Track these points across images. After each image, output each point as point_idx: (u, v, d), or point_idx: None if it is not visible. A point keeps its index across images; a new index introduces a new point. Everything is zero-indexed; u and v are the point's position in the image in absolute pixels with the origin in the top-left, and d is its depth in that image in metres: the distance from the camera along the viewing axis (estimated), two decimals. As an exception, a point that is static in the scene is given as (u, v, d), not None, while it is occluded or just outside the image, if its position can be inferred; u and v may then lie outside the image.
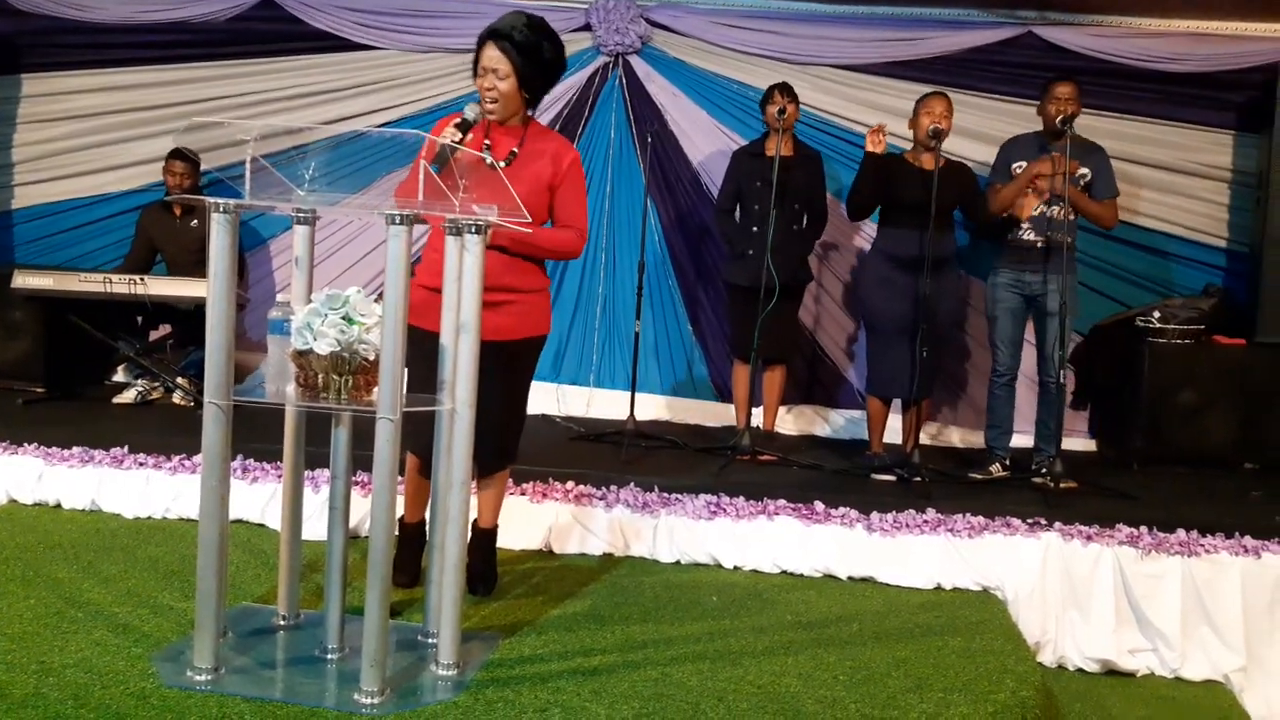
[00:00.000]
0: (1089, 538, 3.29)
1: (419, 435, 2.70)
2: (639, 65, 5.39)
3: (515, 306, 2.70)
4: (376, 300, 2.20)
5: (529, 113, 2.75)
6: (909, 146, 4.35)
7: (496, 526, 2.97)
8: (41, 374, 4.80)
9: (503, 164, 2.66)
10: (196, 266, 4.79)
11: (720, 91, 5.36)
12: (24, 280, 4.53)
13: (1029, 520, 3.38)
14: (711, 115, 5.35)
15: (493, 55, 2.61)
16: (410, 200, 2.26)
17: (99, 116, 5.51)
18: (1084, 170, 4.22)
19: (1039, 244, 4.18)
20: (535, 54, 2.62)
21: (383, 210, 2.05)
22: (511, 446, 2.87)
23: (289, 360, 2.20)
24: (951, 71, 5.13)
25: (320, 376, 2.17)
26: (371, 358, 2.17)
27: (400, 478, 2.39)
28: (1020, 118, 4.91)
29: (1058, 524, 3.34)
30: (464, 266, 2.22)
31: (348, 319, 2.16)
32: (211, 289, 2.07)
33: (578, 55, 5.38)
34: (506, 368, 2.69)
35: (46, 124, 5.56)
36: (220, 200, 2.06)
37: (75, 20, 5.40)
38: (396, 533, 2.70)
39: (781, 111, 4.26)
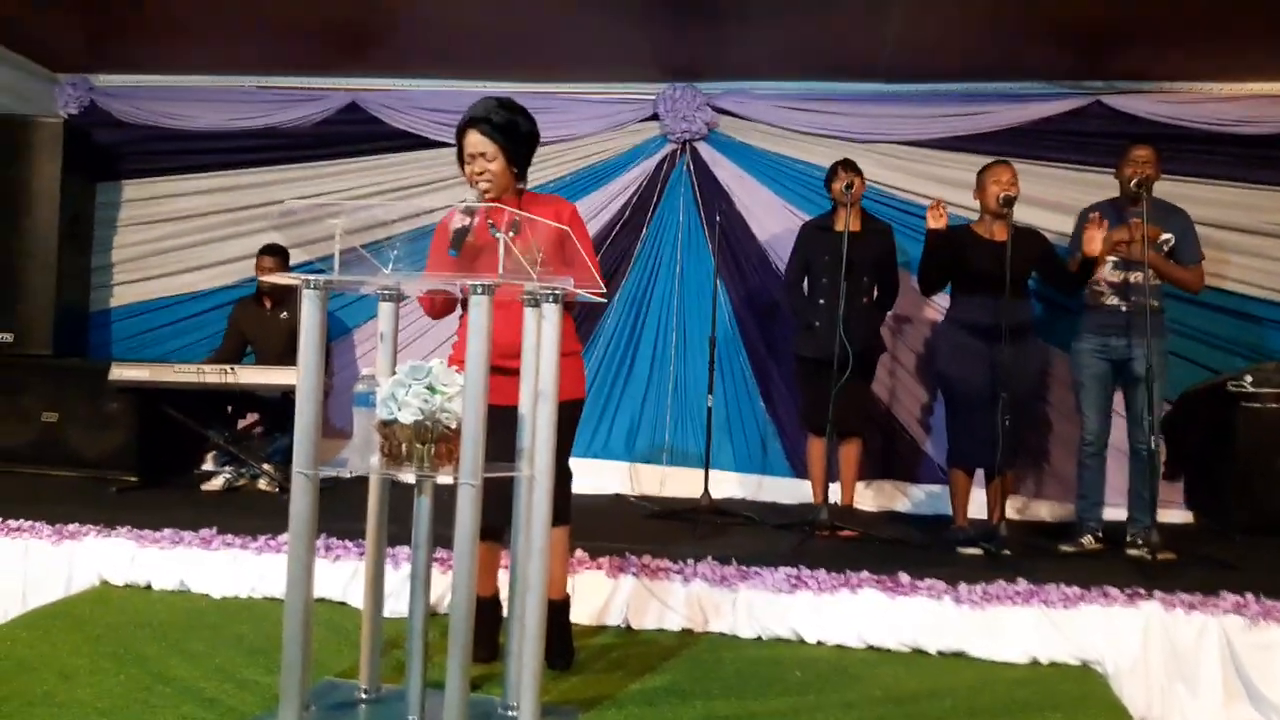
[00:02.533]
0: (1192, 606, 3.12)
1: (484, 504, 2.73)
2: (705, 150, 5.52)
3: None
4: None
5: (520, 186, 2.85)
6: (976, 218, 4.33)
7: (568, 598, 2.95)
8: (134, 464, 4.99)
9: (511, 234, 2.75)
10: (285, 357, 4.95)
11: (786, 172, 5.44)
12: (120, 373, 4.73)
13: (1127, 590, 3.23)
14: (778, 195, 5.44)
15: (476, 140, 2.73)
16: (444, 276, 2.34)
17: (194, 218, 5.83)
18: (1167, 235, 4.14)
19: (1122, 308, 4.09)
20: (514, 131, 2.75)
21: (465, 280, 2.11)
22: (562, 508, 2.86)
23: (374, 431, 2.25)
24: (1018, 142, 5.14)
25: (404, 446, 2.22)
26: (453, 426, 2.21)
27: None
28: (1092, 186, 4.88)
29: (1158, 593, 3.19)
30: (542, 335, 2.26)
31: (431, 389, 2.21)
32: (302, 362, 2.15)
33: (645, 144, 5.56)
34: None
35: (145, 226, 5.90)
36: (311, 276, 2.15)
37: (173, 129, 5.78)
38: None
39: (848, 186, 4.31)
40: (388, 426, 2.22)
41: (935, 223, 4.10)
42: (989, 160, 4.35)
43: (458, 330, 2.92)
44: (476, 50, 5.25)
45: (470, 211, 2.60)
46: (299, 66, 5.64)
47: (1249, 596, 3.16)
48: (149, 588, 3.54)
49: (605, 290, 2.74)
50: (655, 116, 5.49)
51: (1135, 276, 4.06)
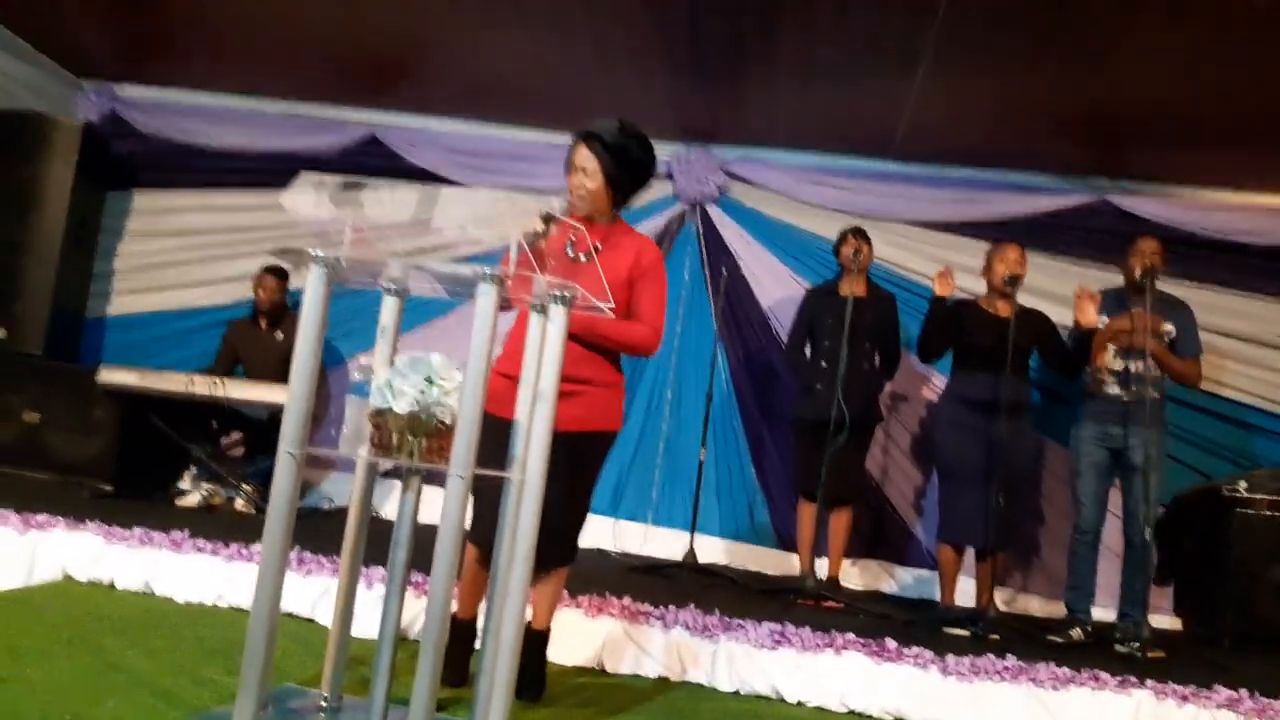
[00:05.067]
0: (1185, 698, 3.03)
1: (481, 524, 2.65)
2: (715, 213, 5.58)
3: (586, 398, 2.69)
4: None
5: (616, 212, 2.82)
6: (983, 293, 4.35)
7: (549, 630, 2.84)
8: (111, 473, 4.87)
9: (584, 257, 2.72)
10: (276, 377, 4.89)
11: (794, 241, 5.49)
12: (110, 376, 4.67)
13: (1118, 676, 3.13)
14: (784, 262, 5.47)
15: (583, 154, 2.71)
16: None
17: (200, 234, 5.85)
18: (1169, 327, 4.16)
19: (1124, 397, 4.08)
20: (624, 155, 2.72)
21: (475, 269, 2.08)
22: (572, 542, 2.79)
23: (366, 421, 2.19)
24: (1025, 233, 5.15)
25: (395, 436, 2.15)
26: (448, 421, 2.14)
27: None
28: (1096, 281, 4.89)
29: (1150, 681, 3.09)
30: (546, 337, 2.22)
31: (429, 380, 2.16)
32: (301, 338, 2.09)
33: (658, 201, 5.60)
34: (573, 460, 2.65)
35: (150, 238, 5.90)
36: (321, 253, 2.11)
37: (191, 145, 5.82)
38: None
39: (857, 252, 4.34)
40: (380, 415, 2.15)
41: (941, 289, 4.12)
42: (994, 245, 4.38)
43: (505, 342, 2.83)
44: (501, 94, 5.34)
45: (549, 219, 2.57)
46: (324, 95, 5.73)
47: (1243, 692, 3.07)
48: (112, 586, 3.41)
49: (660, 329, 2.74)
50: (669, 176, 5.55)
51: (1137, 366, 4.06)
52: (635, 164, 2.76)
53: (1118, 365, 4.11)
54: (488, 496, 2.54)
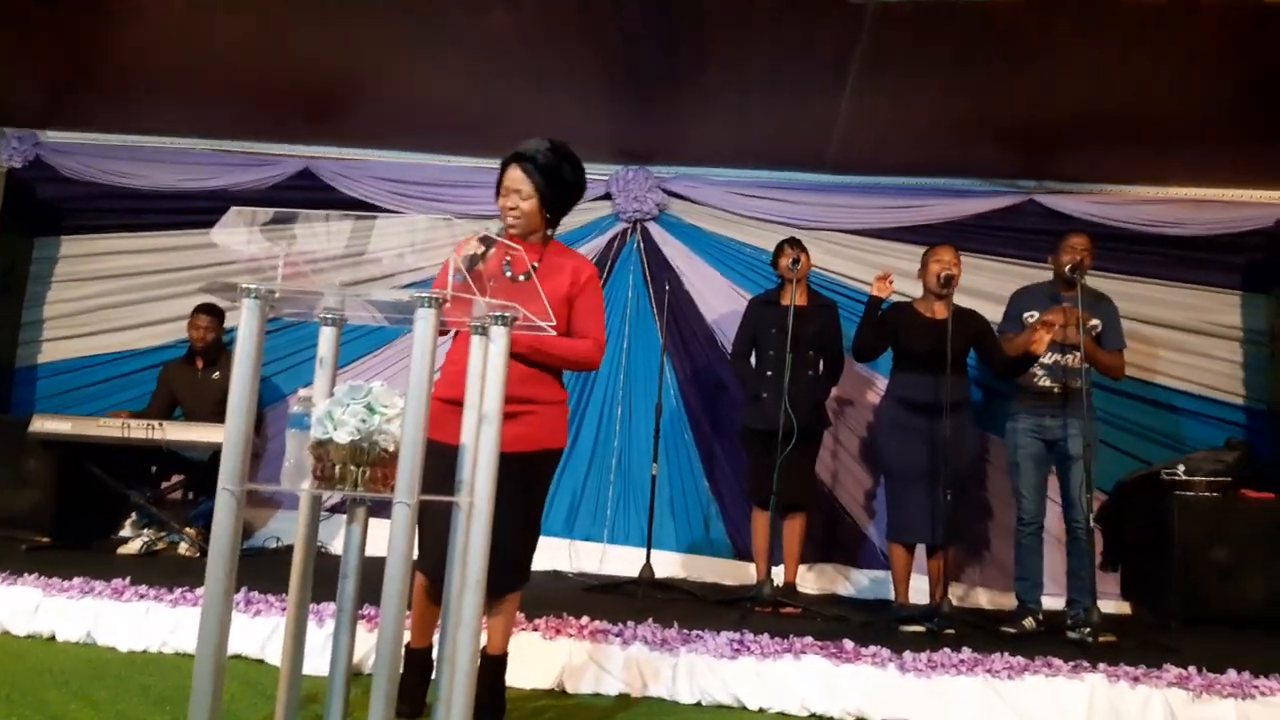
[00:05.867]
0: (1136, 679, 3.09)
1: (428, 553, 2.62)
2: (656, 231, 5.61)
3: (533, 418, 2.68)
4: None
5: (549, 232, 2.83)
6: (919, 296, 4.43)
7: (506, 654, 2.82)
8: (49, 525, 4.75)
9: (522, 278, 2.72)
10: (215, 418, 4.80)
11: (733, 254, 5.54)
12: (42, 425, 4.55)
13: (1070, 662, 3.19)
14: (725, 276, 5.51)
15: (515, 176, 2.72)
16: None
17: (131, 276, 5.73)
18: (1095, 321, 4.27)
19: (1055, 389, 4.18)
20: (556, 175, 2.73)
21: (415, 294, 2.06)
22: (525, 564, 2.76)
23: (307, 454, 2.16)
24: (957, 235, 5.22)
25: (338, 467, 2.12)
26: (391, 449, 2.12)
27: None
28: (1026, 279, 5.00)
29: (1102, 665, 3.16)
30: (489, 358, 2.21)
31: (370, 409, 2.14)
32: (236, 373, 2.06)
33: (598, 222, 5.63)
34: (522, 480, 2.64)
35: (80, 283, 5.77)
36: (253, 286, 2.09)
37: (120, 187, 5.70)
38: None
39: (795, 262, 4.39)
40: (321, 446, 2.12)
41: (879, 290, 4.19)
42: (929, 248, 4.47)
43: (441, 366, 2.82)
44: (437, 123, 5.33)
45: (487, 242, 2.56)
46: (256, 132, 5.66)
47: (1191, 670, 3.14)
48: (53, 638, 3.32)
49: (603, 343, 2.77)
50: (608, 196, 5.58)
51: (1069, 359, 4.17)
52: (569, 185, 2.78)
53: (1049, 359, 4.22)
54: (434, 524, 2.52)
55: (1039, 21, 3.80)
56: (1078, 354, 4.16)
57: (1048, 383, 4.22)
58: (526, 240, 2.78)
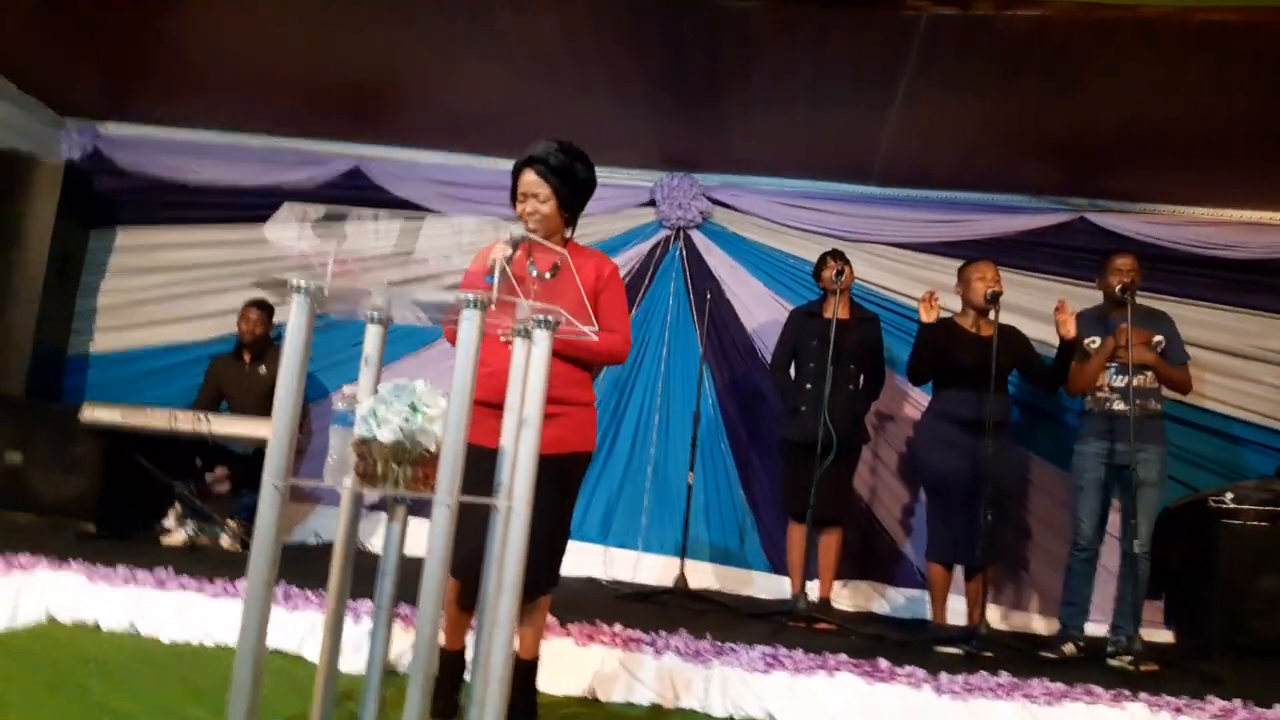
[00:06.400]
0: (1178, 709, 3.02)
1: (459, 556, 2.63)
2: (699, 238, 5.60)
3: (564, 420, 2.69)
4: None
5: (568, 233, 2.85)
6: (958, 311, 4.37)
7: (538, 659, 2.82)
8: (95, 512, 4.82)
9: (547, 275, 2.74)
10: (260, 411, 4.87)
11: (777, 264, 5.52)
12: (92, 413, 4.63)
13: (1112, 690, 3.13)
14: (767, 286, 5.49)
15: (531, 180, 2.74)
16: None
17: (183, 270, 5.83)
18: (1159, 337, 4.18)
19: (1128, 413, 4.01)
20: (570, 175, 2.76)
21: (460, 295, 2.08)
22: (554, 568, 2.77)
23: (350, 451, 2.18)
24: (1005, 251, 5.19)
25: (380, 465, 2.14)
26: (432, 448, 2.14)
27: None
28: (1075, 298, 4.87)
29: (1144, 694, 3.09)
30: (531, 362, 2.22)
31: (413, 408, 2.15)
32: (284, 369, 2.09)
33: (641, 228, 5.64)
34: (553, 483, 2.64)
35: (134, 274, 5.88)
36: (303, 282, 2.11)
37: (174, 181, 5.81)
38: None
39: (839, 274, 4.36)
40: (364, 444, 2.14)
41: (928, 315, 4.12)
42: (968, 264, 4.41)
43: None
44: (483, 126, 5.37)
45: (514, 243, 2.58)
46: (306, 129, 5.74)
47: (1236, 702, 3.07)
48: (97, 627, 3.38)
49: (629, 337, 2.76)
50: (652, 202, 5.59)
51: (1137, 380, 4.07)
52: (582, 182, 2.80)
53: (1119, 382, 4.10)
54: (466, 527, 2.52)
55: (1091, 37, 3.75)
56: (1148, 374, 4.07)
57: (1119, 405, 4.09)
58: (548, 241, 2.80)
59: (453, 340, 2.83)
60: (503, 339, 2.41)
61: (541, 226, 2.75)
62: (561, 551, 2.79)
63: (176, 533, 4.81)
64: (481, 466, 2.29)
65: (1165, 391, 4.23)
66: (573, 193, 2.77)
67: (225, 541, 4.80)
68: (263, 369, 5.16)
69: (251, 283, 5.37)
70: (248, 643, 2.03)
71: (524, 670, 2.77)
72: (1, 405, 5.18)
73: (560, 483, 2.68)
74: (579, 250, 2.89)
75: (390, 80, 4.99)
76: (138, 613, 3.39)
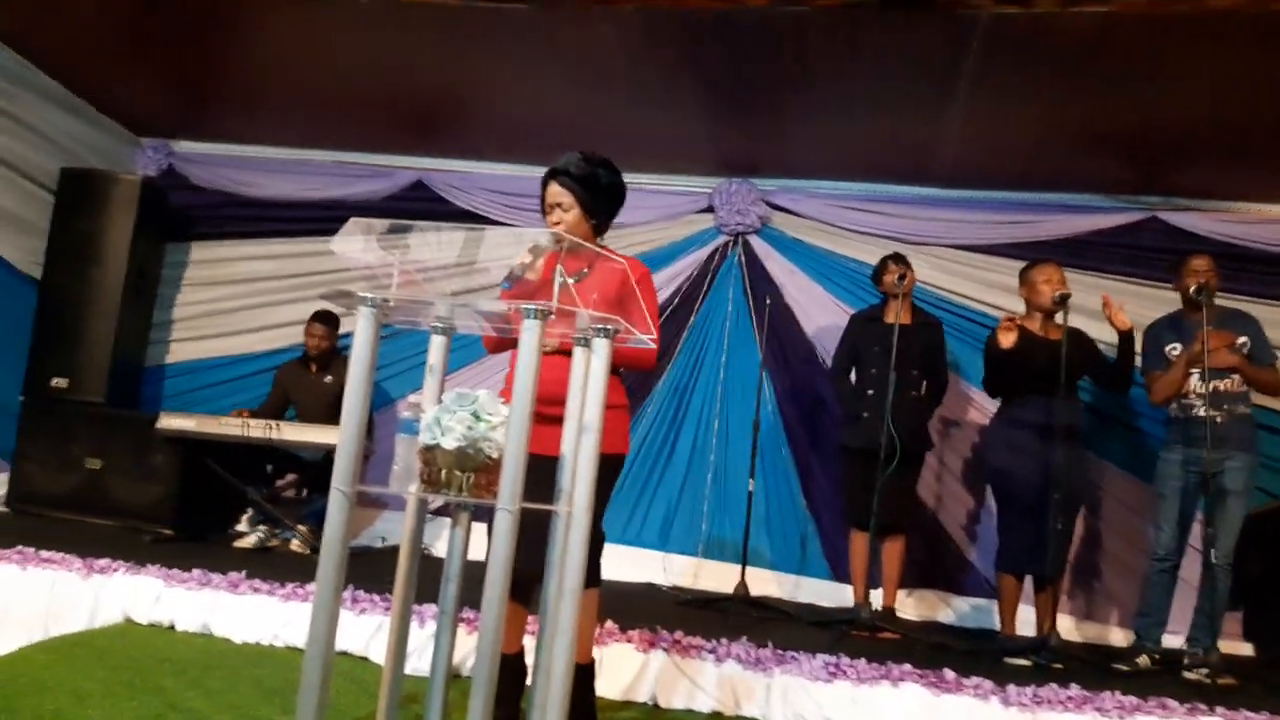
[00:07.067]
0: (1258, 726, 2.93)
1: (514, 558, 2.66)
2: (757, 244, 5.58)
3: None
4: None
5: (599, 239, 2.87)
6: (1022, 314, 4.28)
7: (593, 663, 2.84)
8: (172, 517, 4.99)
9: (574, 280, 2.76)
10: (326, 419, 4.98)
11: (837, 269, 5.47)
12: (168, 422, 4.78)
13: (1186, 704, 3.03)
14: (828, 291, 5.45)
15: (554, 191, 2.78)
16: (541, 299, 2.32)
17: (254, 282, 5.99)
18: (1243, 339, 4.05)
19: (1216, 419, 3.90)
20: (593, 182, 2.78)
21: (519, 305, 2.11)
22: (594, 567, 2.78)
23: (415, 458, 2.22)
24: (1073, 252, 5.09)
25: (444, 473, 2.18)
26: (495, 456, 2.17)
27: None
28: (1147, 299, 4.82)
29: (1220, 709, 2.99)
30: (591, 371, 2.24)
31: (476, 416, 2.19)
32: (351, 379, 2.13)
33: (700, 234, 5.64)
34: None
35: (207, 287, 6.07)
36: (369, 294, 2.16)
37: (245, 196, 6.00)
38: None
39: (901, 278, 4.31)
40: (429, 452, 2.18)
41: (1007, 343, 4.01)
42: (1032, 265, 4.31)
43: (506, 375, 2.91)
44: (543, 137, 5.40)
45: (537, 250, 2.61)
46: (370, 144, 5.88)
47: (1321, 719, 2.96)
48: (172, 628, 3.49)
49: (657, 339, 2.73)
50: (710, 209, 5.59)
51: (1222, 384, 3.95)
52: (606, 187, 2.82)
53: (1204, 387, 3.98)
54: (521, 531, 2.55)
55: (1158, 32, 3.66)
56: (1234, 377, 3.95)
57: (1207, 412, 3.91)
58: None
59: (490, 348, 2.87)
60: (545, 349, 2.43)
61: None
62: (599, 551, 2.81)
63: (249, 536, 4.94)
64: (533, 474, 2.32)
65: (1257, 397, 4.08)
66: (596, 199, 2.80)
67: (296, 545, 4.91)
68: (329, 378, 5.27)
69: (320, 294, 5.48)
70: (316, 645, 2.08)
71: (581, 674, 2.78)
72: (83, 414, 5.38)
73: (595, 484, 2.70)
74: (610, 255, 2.91)
75: (452, 95, 5.08)
76: (211, 615, 3.48)
